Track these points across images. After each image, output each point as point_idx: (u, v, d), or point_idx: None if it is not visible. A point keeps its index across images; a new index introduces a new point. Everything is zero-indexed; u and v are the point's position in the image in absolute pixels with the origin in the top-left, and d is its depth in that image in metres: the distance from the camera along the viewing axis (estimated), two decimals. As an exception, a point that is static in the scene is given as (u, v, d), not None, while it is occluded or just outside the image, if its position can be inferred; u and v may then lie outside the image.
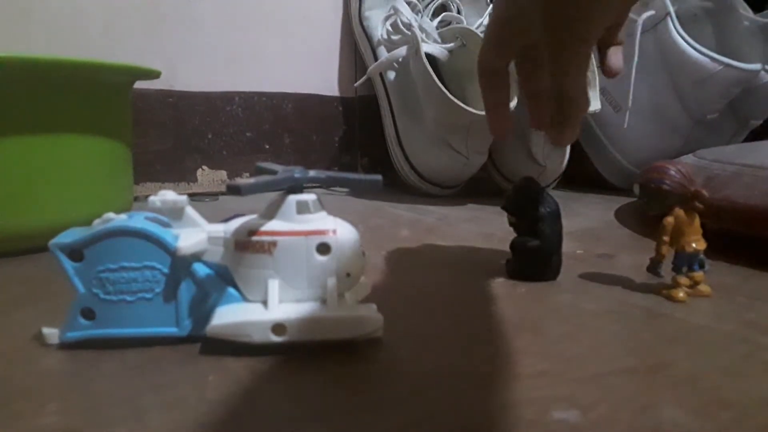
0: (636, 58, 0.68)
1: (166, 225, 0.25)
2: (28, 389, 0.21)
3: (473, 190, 0.72)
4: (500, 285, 0.34)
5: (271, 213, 0.26)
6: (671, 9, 0.66)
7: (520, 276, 0.35)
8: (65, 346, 0.24)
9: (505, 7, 0.31)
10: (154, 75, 0.47)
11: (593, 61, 0.63)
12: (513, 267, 0.36)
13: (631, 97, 0.69)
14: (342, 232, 0.26)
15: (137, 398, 0.20)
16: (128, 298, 0.24)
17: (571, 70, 0.27)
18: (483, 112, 0.58)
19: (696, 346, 0.26)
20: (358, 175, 0.27)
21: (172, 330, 0.25)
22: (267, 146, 0.74)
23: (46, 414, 0.19)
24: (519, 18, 0.30)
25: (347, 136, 0.81)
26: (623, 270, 0.37)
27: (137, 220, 0.24)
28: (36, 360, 0.23)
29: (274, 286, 0.25)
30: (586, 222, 0.54)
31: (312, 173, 0.27)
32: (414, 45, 0.63)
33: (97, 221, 0.24)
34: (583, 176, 0.78)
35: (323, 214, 0.26)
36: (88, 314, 0.24)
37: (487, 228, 0.51)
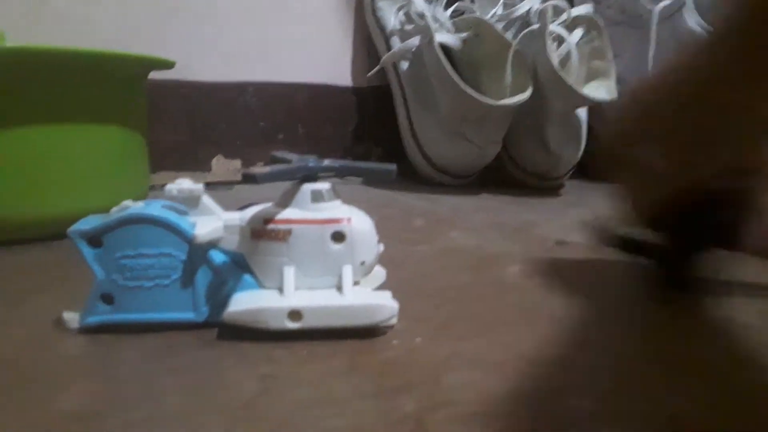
0: (653, 48, 0.67)
1: (182, 213, 0.25)
2: (50, 372, 0.21)
3: (487, 180, 0.72)
4: (515, 274, 0.34)
5: (286, 201, 0.26)
6: (688, -3, 0.65)
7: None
8: (85, 330, 0.25)
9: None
10: (168, 65, 0.47)
11: (609, 51, 0.62)
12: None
13: (647, 86, 0.68)
14: (356, 220, 0.26)
15: (156, 382, 0.21)
16: (146, 284, 0.24)
17: None
18: (496, 102, 0.58)
19: (711, 337, 0.25)
20: (372, 164, 0.27)
21: (189, 315, 0.25)
22: (280, 136, 0.75)
23: (67, 397, 0.20)
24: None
25: (360, 127, 0.81)
26: (639, 260, 0.37)
27: (154, 208, 0.24)
28: (57, 344, 0.24)
29: (289, 273, 0.25)
30: (602, 212, 0.53)
31: (326, 162, 0.27)
32: (427, 35, 0.63)
33: (115, 209, 0.25)
34: (598, 166, 0.77)
35: (338, 202, 0.26)
36: (108, 299, 0.24)
37: (501, 218, 0.51)
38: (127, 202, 0.25)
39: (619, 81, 0.71)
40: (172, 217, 0.24)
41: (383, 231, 0.27)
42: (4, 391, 0.20)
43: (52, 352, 0.23)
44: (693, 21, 0.66)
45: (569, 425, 0.18)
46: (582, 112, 0.67)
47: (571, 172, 0.68)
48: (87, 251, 0.24)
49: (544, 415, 0.19)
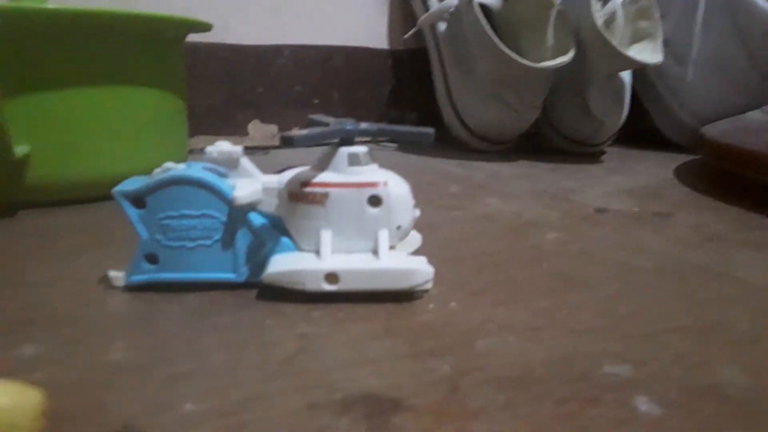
0: (702, 8, 0.64)
1: (222, 175, 0.26)
2: (97, 328, 0.22)
3: (525, 146, 0.71)
4: (552, 242, 0.34)
5: (323, 165, 0.26)
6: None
7: None
8: (130, 288, 0.26)
9: None
10: (205, 28, 0.47)
11: (656, 11, 0.60)
12: None
13: (695, 49, 0.66)
14: (393, 184, 0.26)
15: (199, 338, 0.22)
16: (188, 245, 0.25)
17: None
18: (537, 65, 0.57)
19: (755, 307, 0.25)
20: (410, 127, 0.27)
21: (230, 276, 0.26)
22: (316, 100, 0.74)
23: (114, 351, 0.21)
24: None
25: (396, 90, 0.80)
26: (681, 228, 0.36)
27: (196, 170, 0.25)
28: (103, 301, 0.25)
29: (326, 236, 0.25)
30: (643, 180, 0.52)
31: (363, 125, 0.27)
32: (467, -5, 0.61)
33: (157, 170, 0.25)
34: (642, 132, 0.75)
35: (374, 166, 0.26)
36: (152, 259, 0.25)
37: (539, 185, 0.50)
38: (169, 164, 0.25)
39: (666, 43, 0.68)
40: (212, 178, 0.25)
41: (419, 196, 0.27)
42: (56, 344, 0.21)
43: (100, 308, 0.24)
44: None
45: (604, 391, 0.18)
46: (626, 76, 0.64)
47: (613, 138, 0.66)
48: (131, 211, 0.25)
49: (578, 381, 0.19)
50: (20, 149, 0.37)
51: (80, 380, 0.19)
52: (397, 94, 0.80)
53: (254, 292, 0.25)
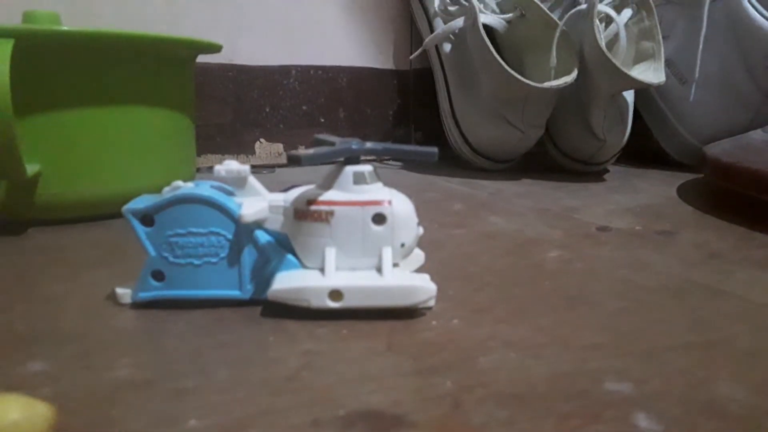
0: (704, 28, 0.65)
1: (230, 193, 0.26)
2: (103, 344, 0.23)
3: (528, 165, 0.71)
4: (555, 259, 0.34)
5: (328, 183, 0.26)
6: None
7: None
8: (137, 305, 0.26)
9: None
10: (215, 49, 0.48)
11: (658, 31, 0.61)
12: None
13: (698, 69, 0.66)
14: (397, 202, 0.26)
15: (204, 355, 0.22)
16: (195, 262, 0.25)
17: None
18: (541, 85, 0.57)
19: (756, 324, 0.25)
20: (414, 146, 0.28)
21: (235, 293, 0.26)
22: (322, 120, 0.75)
23: (120, 367, 0.21)
24: None
25: (401, 110, 0.81)
26: (683, 247, 0.37)
27: (204, 188, 0.25)
28: (110, 317, 0.25)
29: (331, 254, 0.26)
30: (646, 198, 0.52)
31: (369, 145, 0.27)
32: (471, 16, 0.62)
33: (166, 189, 0.26)
34: (645, 151, 0.76)
35: (379, 185, 0.27)
36: (159, 276, 0.26)
37: (542, 203, 0.50)
38: (178, 183, 0.26)
39: (669, 63, 0.69)
40: (220, 197, 0.25)
41: (423, 214, 0.28)
42: (63, 360, 0.21)
43: (106, 325, 0.24)
44: (747, 1, 0.63)
45: (605, 408, 0.18)
46: (629, 95, 0.65)
47: (616, 157, 0.67)
48: (140, 229, 0.25)
49: (579, 398, 0.19)
50: (31, 168, 0.38)
51: (86, 395, 0.19)
52: (402, 114, 0.81)
53: (259, 309, 0.26)
